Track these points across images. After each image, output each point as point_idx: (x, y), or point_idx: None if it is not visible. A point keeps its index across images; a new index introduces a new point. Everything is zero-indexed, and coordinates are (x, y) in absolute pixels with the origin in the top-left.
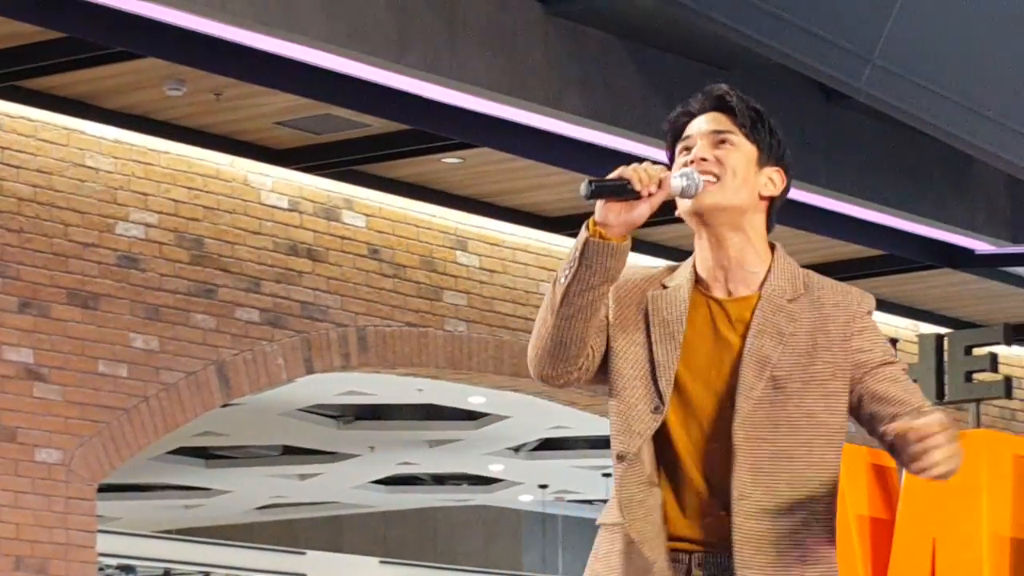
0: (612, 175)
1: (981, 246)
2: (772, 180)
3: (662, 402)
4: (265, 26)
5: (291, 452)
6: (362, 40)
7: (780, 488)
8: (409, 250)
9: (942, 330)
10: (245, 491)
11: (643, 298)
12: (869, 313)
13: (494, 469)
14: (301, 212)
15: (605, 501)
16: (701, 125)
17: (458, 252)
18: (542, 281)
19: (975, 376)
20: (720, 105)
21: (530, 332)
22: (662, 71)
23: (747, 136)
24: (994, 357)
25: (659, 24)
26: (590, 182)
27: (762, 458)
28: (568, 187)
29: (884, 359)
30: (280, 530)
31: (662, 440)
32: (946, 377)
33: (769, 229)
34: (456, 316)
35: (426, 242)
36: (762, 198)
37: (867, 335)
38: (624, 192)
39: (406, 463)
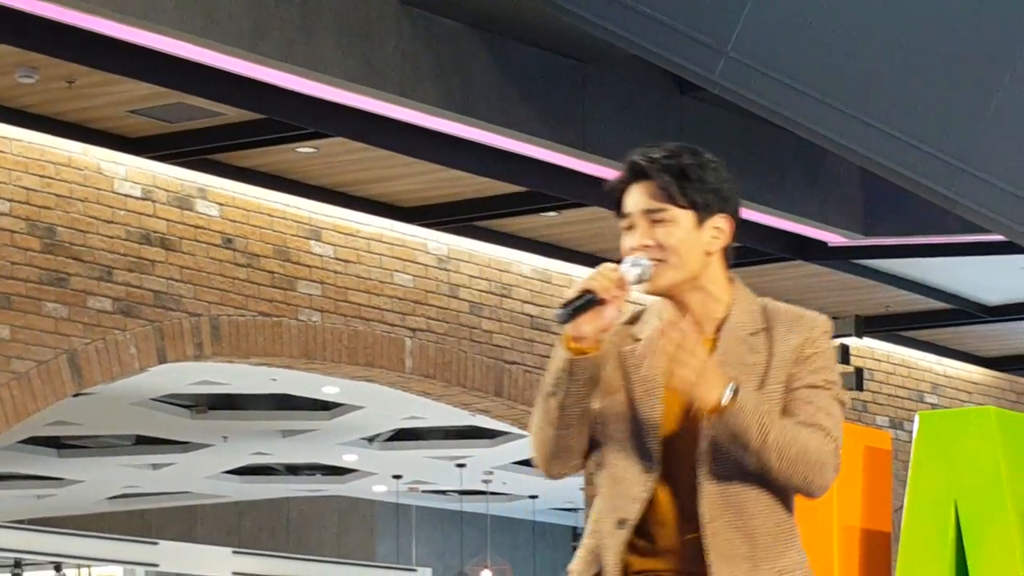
0: (574, 292)
1: (834, 238)
2: (718, 230)
3: (652, 463)
4: (119, 14)
5: (144, 442)
6: (217, 29)
7: (746, 506)
8: (263, 239)
9: None
10: (98, 481)
11: (617, 356)
12: (823, 335)
13: (348, 459)
14: (154, 201)
15: (459, 492)
16: (636, 202)
17: (312, 242)
18: (396, 271)
19: None
20: (643, 175)
21: (383, 322)
22: (516, 62)
23: (679, 204)
24: (845, 349)
25: (514, 15)
26: (563, 308)
27: (731, 480)
28: (422, 177)
29: (813, 383)
30: (133, 520)
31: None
32: None
33: (728, 265)
34: (310, 306)
35: (280, 231)
36: (711, 253)
37: (814, 360)
38: (592, 304)
39: (260, 453)
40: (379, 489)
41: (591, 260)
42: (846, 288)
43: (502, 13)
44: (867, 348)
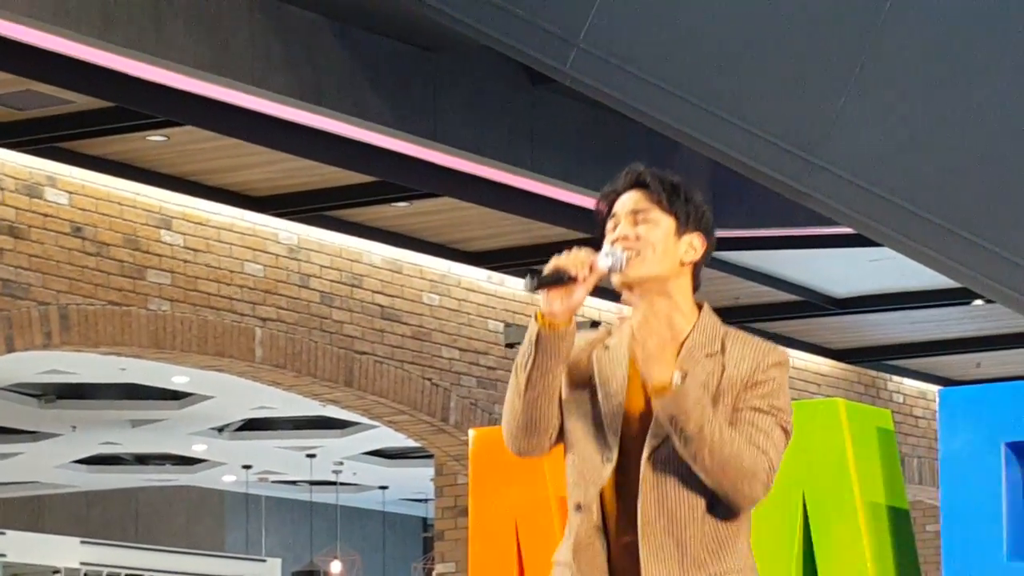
0: (548, 267)
1: None
2: (692, 246)
3: (610, 452)
4: None
5: None
6: (66, 16)
7: (680, 513)
8: (112, 228)
9: None
10: None
11: (590, 359)
12: (775, 365)
13: (197, 449)
14: (3, 189)
15: (310, 482)
16: (625, 204)
17: (162, 231)
18: (247, 261)
19: None
20: (638, 183)
21: (233, 312)
22: (368, 52)
23: (665, 210)
24: None
25: (366, 5)
26: (532, 276)
27: (670, 485)
28: (274, 166)
29: (759, 406)
30: None
31: (611, 488)
32: None
33: (695, 288)
34: (160, 295)
35: (130, 220)
36: (684, 264)
37: (762, 386)
38: (562, 280)
39: (109, 443)
40: (229, 479)
41: (442, 250)
42: None
43: (354, 3)
44: None
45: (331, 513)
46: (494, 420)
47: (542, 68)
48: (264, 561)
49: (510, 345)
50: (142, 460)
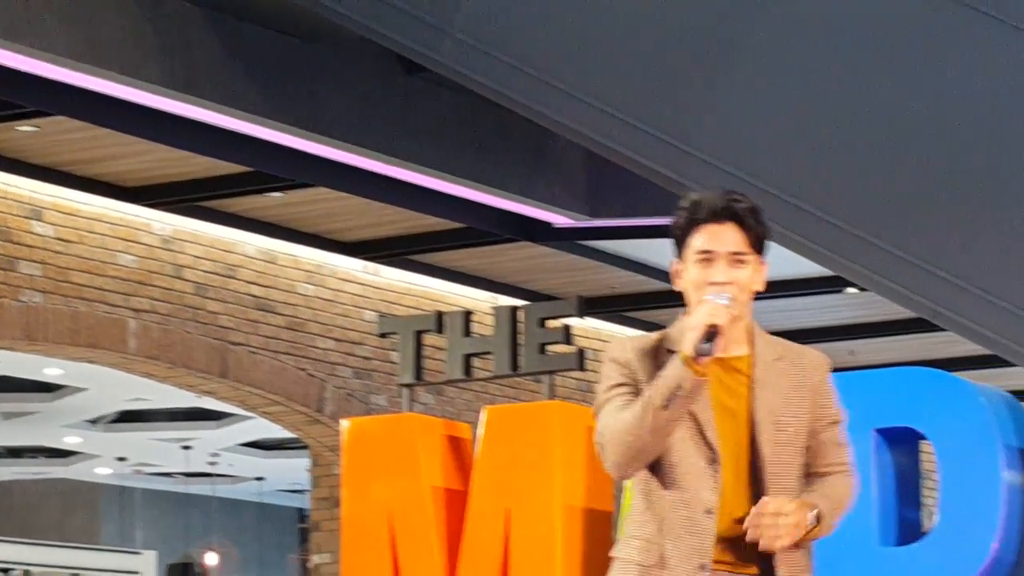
0: (699, 329)
1: (559, 220)
2: (761, 275)
3: (715, 454)
4: None
5: None
6: None
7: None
8: None
9: (520, 303)
10: None
11: (661, 366)
12: (830, 372)
13: (71, 442)
14: None
15: (185, 474)
16: (721, 241)
17: (33, 222)
18: (118, 251)
19: (549, 348)
20: (733, 217)
21: (106, 303)
22: (242, 42)
23: (755, 250)
24: (567, 329)
25: None
26: (706, 344)
27: (781, 488)
28: (147, 156)
29: (834, 418)
30: None
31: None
32: (521, 349)
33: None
34: (31, 287)
35: (0, 211)
36: (757, 291)
37: (831, 394)
38: (715, 336)
39: None
40: (103, 471)
41: (317, 240)
42: (572, 269)
43: None
44: (592, 329)
45: (207, 505)
46: (370, 410)
47: (416, 57)
48: (139, 554)
49: (384, 335)
50: (15, 453)
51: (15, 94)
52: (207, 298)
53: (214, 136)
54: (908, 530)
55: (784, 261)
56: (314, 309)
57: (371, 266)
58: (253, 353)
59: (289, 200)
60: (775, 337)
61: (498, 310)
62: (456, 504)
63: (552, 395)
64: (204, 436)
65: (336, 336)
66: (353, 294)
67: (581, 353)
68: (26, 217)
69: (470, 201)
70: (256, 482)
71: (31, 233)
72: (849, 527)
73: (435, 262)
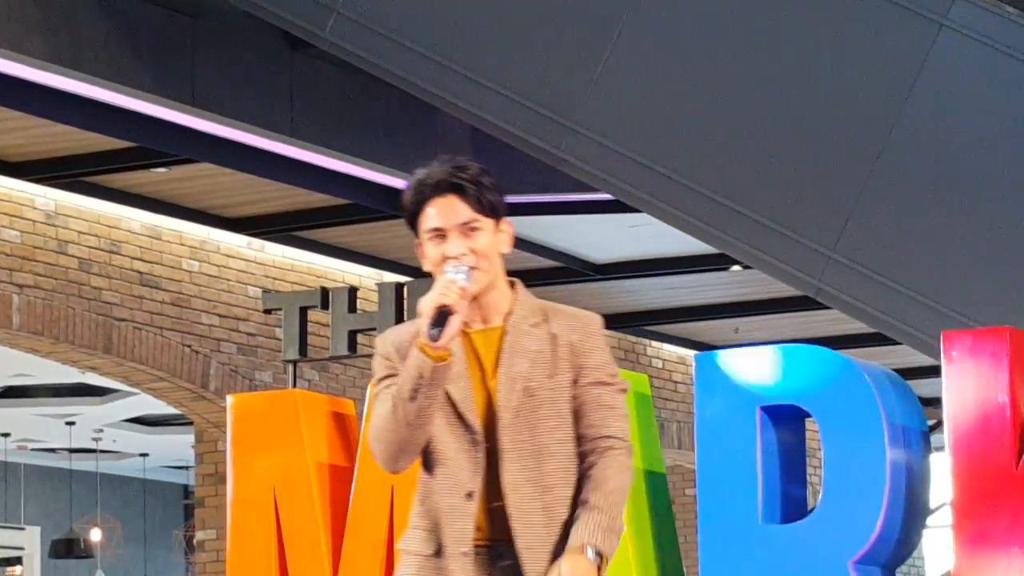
0: (429, 310)
1: None
2: (505, 233)
3: (476, 435)
4: None
5: None
6: None
7: (543, 476)
8: None
9: (405, 279)
10: None
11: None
12: (599, 331)
13: None
14: None
15: (69, 450)
16: (447, 216)
17: None
18: (3, 227)
19: None
20: (454, 189)
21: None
22: (126, 17)
23: (484, 213)
24: None
25: None
26: (433, 329)
27: (525, 456)
28: (29, 132)
29: (600, 379)
30: None
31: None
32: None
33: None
34: None
35: None
36: (503, 255)
37: (595, 354)
38: (447, 316)
39: None
40: None
41: (201, 216)
42: None
43: None
44: None
45: (91, 481)
46: (255, 387)
47: (301, 33)
48: (23, 529)
49: (268, 311)
50: None
51: None
52: (91, 273)
53: (98, 111)
54: (793, 508)
55: (668, 238)
56: (199, 285)
57: (256, 242)
58: (137, 329)
59: (173, 176)
60: (544, 302)
61: (382, 286)
62: (341, 480)
63: None
64: (88, 412)
65: (221, 312)
66: (238, 270)
67: None
68: None
69: (354, 177)
70: (140, 458)
71: None
72: (734, 504)
73: (319, 238)
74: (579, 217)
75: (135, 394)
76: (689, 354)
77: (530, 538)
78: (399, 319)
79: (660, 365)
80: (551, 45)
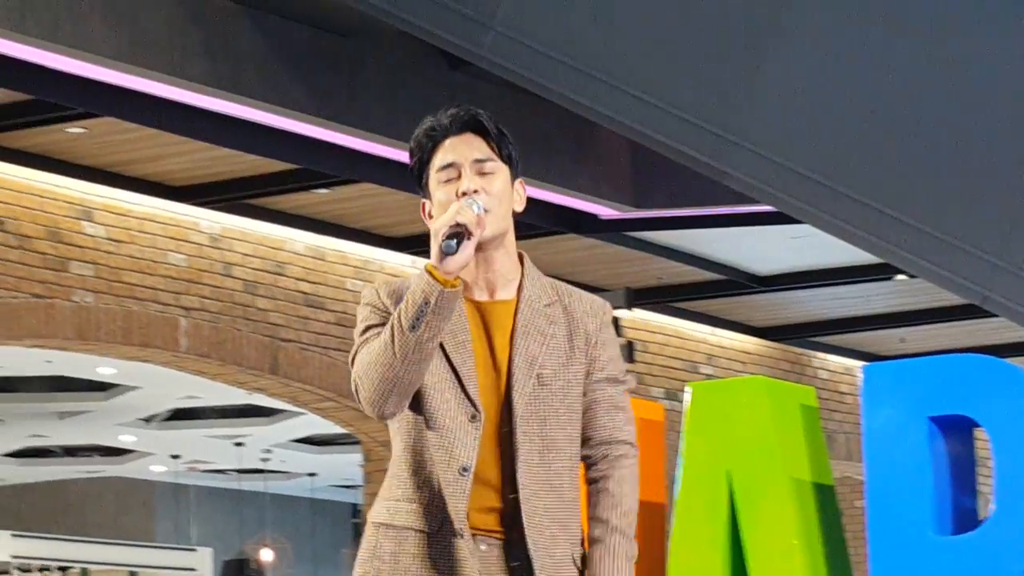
0: (445, 227)
1: (605, 211)
2: (519, 194)
3: (477, 410)
4: None
5: None
6: None
7: (550, 474)
8: (34, 221)
9: None
10: None
11: None
12: (610, 321)
13: (125, 440)
14: None
15: (238, 471)
16: (463, 152)
17: (84, 222)
18: (169, 251)
19: None
20: (474, 127)
21: (157, 302)
22: (286, 39)
23: (501, 157)
24: (616, 321)
25: None
26: (449, 240)
27: (535, 449)
28: (193, 156)
29: (611, 375)
30: None
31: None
32: None
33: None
34: (83, 287)
35: (51, 213)
36: (516, 214)
37: (608, 347)
38: (463, 238)
39: (37, 435)
40: (157, 469)
41: (363, 236)
42: (618, 260)
43: None
44: (640, 320)
45: (260, 501)
46: None
47: (459, 51)
48: (194, 551)
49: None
50: (71, 452)
51: (63, 96)
52: (256, 295)
53: (260, 134)
54: (964, 519)
55: (833, 249)
56: None
57: (420, 260)
58: (303, 349)
59: (336, 196)
60: (552, 280)
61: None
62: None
63: None
64: (256, 433)
65: None
66: None
67: (631, 345)
68: (77, 218)
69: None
70: (308, 478)
71: (82, 234)
72: (904, 516)
73: None
74: (742, 229)
75: (302, 414)
76: (855, 365)
77: (538, 537)
78: None
79: (826, 376)
80: (710, 58)
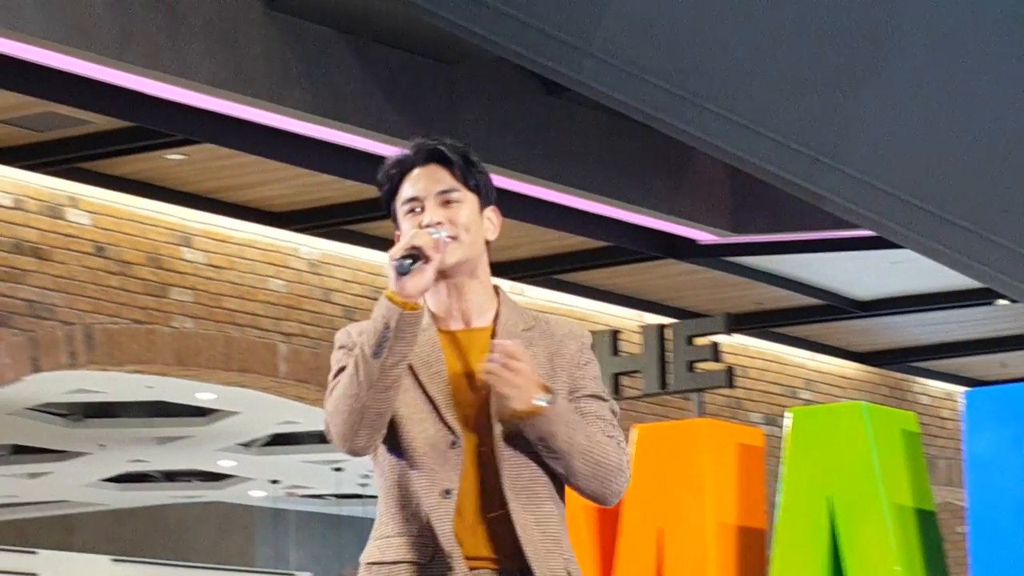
0: (401, 250)
1: (704, 236)
2: (491, 221)
3: (456, 436)
4: None
5: (21, 451)
6: (82, 37)
7: (537, 489)
8: (135, 247)
9: (666, 320)
10: None
11: None
12: (589, 345)
13: (225, 465)
14: (25, 210)
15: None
16: (426, 185)
17: (184, 248)
18: (268, 276)
19: (697, 366)
20: (438, 158)
21: (257, 327)
22: (384, 65)
23: (469, 188)
24: (715, 347)
25: (380, 18)
26: (401, 260)
27: (522, 469)
28: (292, 182)
29: (594, 392)
30: (10, 530)
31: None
32: (669, 367)
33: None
34: (183, 313)
35: (151, 239)
36: (487, 242)
37: (590, 367)
38: (418, 261)
39: (137, 460)
40: (257, 494)
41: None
42: (717, 286)
43: (369, 16)
44: (740, 345)
45: (359, 526)
46: None
47: (557, 77)
48: (293, 575)
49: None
50: (170, 477)
51: (163, 123)
52: (355, 321)
53: (359, 160)
54: None
55: (931, 274)
56: None
57: (517, 286)
58: None
59: None
60: (527, 308)
61: (646, 329)
62: (607, 524)
63: (701, 412)
64: (355, 458)
65: None
66: None
67: (730, 370)
68: (176, 244)
69: (614, 219)
70: None
71: (182, 260)
72: (1006, 542)
73: (580, 281)
74: (841, 254)
75: None
76: (956, 390)
77: (532, 552)
78: (662, 361)
79: (927, 401)
80: (808, 83)
